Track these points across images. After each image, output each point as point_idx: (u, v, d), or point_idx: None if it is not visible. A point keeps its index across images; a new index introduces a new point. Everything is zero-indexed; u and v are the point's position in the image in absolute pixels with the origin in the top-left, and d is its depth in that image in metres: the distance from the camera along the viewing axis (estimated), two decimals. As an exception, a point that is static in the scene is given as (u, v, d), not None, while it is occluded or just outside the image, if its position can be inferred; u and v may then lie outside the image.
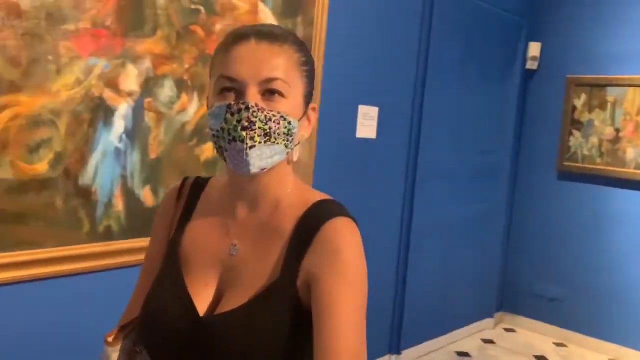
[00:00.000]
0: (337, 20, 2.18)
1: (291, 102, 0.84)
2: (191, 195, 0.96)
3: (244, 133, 0.80)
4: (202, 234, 0.92)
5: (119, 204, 1.63)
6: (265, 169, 0.84)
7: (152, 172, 1.69)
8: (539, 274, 3.49)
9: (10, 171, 1.41)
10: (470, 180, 3.19)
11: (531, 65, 3.46)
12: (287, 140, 0.85)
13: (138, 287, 0.98)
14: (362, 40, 2.36)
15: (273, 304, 0.83)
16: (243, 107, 0.80)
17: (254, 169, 0.83)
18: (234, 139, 0.81)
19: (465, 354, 3.10)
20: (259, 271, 0.85)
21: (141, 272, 0.99)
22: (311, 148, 2.18)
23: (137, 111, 1.64)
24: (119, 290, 1.59)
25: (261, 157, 0.83)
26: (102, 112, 1.56)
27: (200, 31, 1.75)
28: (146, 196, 1.69)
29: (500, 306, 3.63)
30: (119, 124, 1.60)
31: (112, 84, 1.57)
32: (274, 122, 0.82)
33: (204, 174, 1.73)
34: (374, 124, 2.48)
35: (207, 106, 0.88)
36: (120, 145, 1.61)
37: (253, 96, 0.81)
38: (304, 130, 0.89)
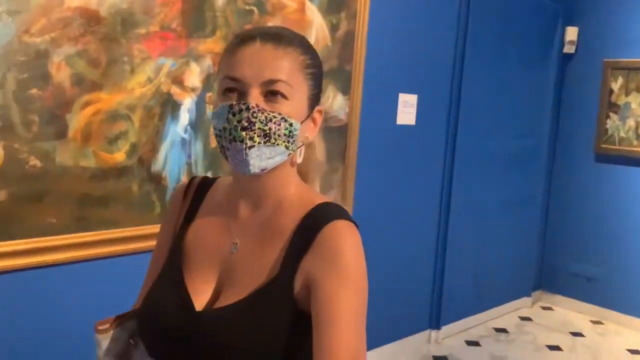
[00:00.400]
0: (378, 13, 2.31)
1: (294, 104, 0.84)
2: (197, 194, 0.97)
3: (243, 133, 0.81)
4: (204, 232, 0.93)
5: (185, 189, 1.81)
6: (265, 169, 0.85)
7: (213, 160, 1.87)
8: (576, 253, 3.57)
9: (93, 160, 1.60)
10: (508, 164, 3.29)
11: (568, 49, 3.51)
12: (288, 142, 0.85)
13: (148, 275, 0.99)
14: (401, 30, 2.49)
15: (270, 300, 0.83)
16: (244, 107, 0.81)
17: (254, 169, 0.84)
18: (234, 139, 0.82)
19: (503, 330, 3.23)
20: (257, 269, 0.86)
21: (150, 262, 1.00)
22: (353, 135, 2.32)
23: (200, 105, 1.81)
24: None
25: (261, 157, 0.83)
26: (169, 106, 1.74)
27: (253, 29, 1.91)
28: (208, 181, 1.87)
29: (538, 285, 3.73)
30: (184, 117, 1.78)
31: (178, 80, 1.75)
32: (275, 123, 0.82)
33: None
34: (413, 111, 2.61)
35: (213, 106, 0.91)
36: (186, 136, 1.79)
37: (255, 97, 0.82)
38: (309, 132, 0.89)
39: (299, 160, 0.89)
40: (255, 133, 0.81)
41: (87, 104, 1.56)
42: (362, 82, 2.30)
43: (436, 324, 2.97)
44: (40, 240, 1.52)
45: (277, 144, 0.83)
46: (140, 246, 1.73)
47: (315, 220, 0.85)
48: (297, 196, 0.90)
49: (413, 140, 2.66)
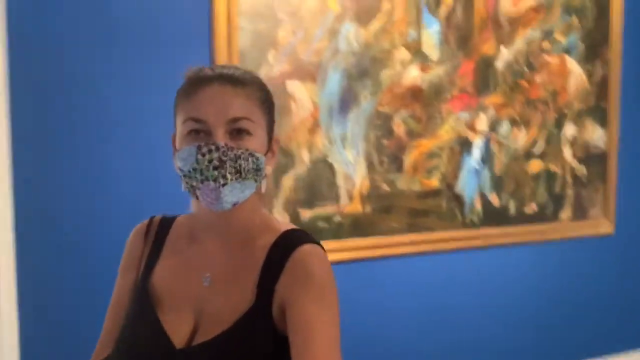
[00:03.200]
0: (628, 58, 2.73)
1: (257, 139, 0.88)
2: (159, 233, 0.99)
3: (215, 172, 0.84)
4: (172, 270, 0.94)
5: (478, 205, 2.46)
6: (237, 203, 0.88)
7: (497, 183, 2.50)
8: None
9: (418, 185, 2.35)
10: None
11: None
12: (257, 175, 0.88)
13: (106, 328, 0.98)
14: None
15: (249, 330, 0.85)
16: (213, 147, 0.84)
17: (227, 205, 0.87)
18: (207, 179, 0.85)
19: None
20: (233, 300, 0.87)
21: (108, 312, 0.99)
22: (612, 160, 2.73)
23: (487, 143, 2.47)
24: (477, 265, 2.44)
25: (233, 193, 0.86)
26: (466, 145, 2.43)
27: (525, 84, 2.51)
28: (493, 199, 2.49)
29: None
30: (476, 152, 2.45)
31: (471, 127, 2.43)
32: (243, 159, 0.86)
33: (531, 184, 2.49)
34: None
35: (174, 147, 0.92)
36: (477, 166, 2.46)
37: (221, 136, 0.85)
38: (269, 163, 0.93)
39: (264, 190, 0.93)
40: (227, 171, 0.85)
41: (414, 147, 2.33)
42: (618, 116, 2.72)
43: None
44: (387, 239, 2.31)
45: (248, 179, 0.87)
46: (448, 246, 2.41)
47: (285, 246, 0.89)
48: (263, 225, 0.94)
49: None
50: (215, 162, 0.84)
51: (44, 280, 1.82)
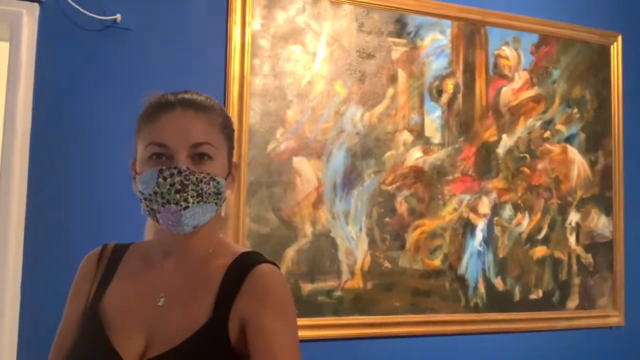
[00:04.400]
0: (631, 149, 2.79)
1: (218, 163, 0.90)
2: (112, 259, 0.98)
3: (177, 195, 0.85)
4: (124, 292, 0.93)
5: (482, 288, 2.46)
6: (197, 226, 0.89)
7: (501, 267, 2.50)
8: None
9: (420, 264, 2.37)
10: None
11: None
12: (217, 199, 0.90)
13: (56, 346, 0.97)
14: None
15: (202, 345, 0.84)
16: (175, 171, 0.85)
17: (188, 228, 0.88)
18: (168, 202, 0.85)
19: None
20: (187, 317, 0.87)
21: (53, 344, 0.98)
22: (618, 249, 2.72)
23: (490, 226, 2.50)
24: (481, 350, 2.39)
25: (194, 216, 0.88)
26: (468, 227, 2.46)
27: (527, 170, 2.58)
28: (498, 283, 2.49)
29: None
30: (479, 235, 2.48)
31: (473, 209, 2.48)
32: (205, 183, 0.87)
33: (536, 269, 2.48)
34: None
35: (135, 171, 0.92)
36: (480, 249, 2.48)
37: (183, 160, 0.87)
38: (229, 187, 0.95)
39: (223, 213, 0.95)
40: (188, 194, 0.86)
41: (417, 227, 2.37)
42: (623, 205, 2.75)
43: None
44: (389, 317, 2.29)
45: (209, 203, 0.89)
46: (450, 329, 2.38)
47: (242, 266, 0.90)
48: (220, 247, 0.95)
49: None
50: (177, 186, 0.86)
51: (47, 288, 1.85)
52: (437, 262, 2.39)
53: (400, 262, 2.33)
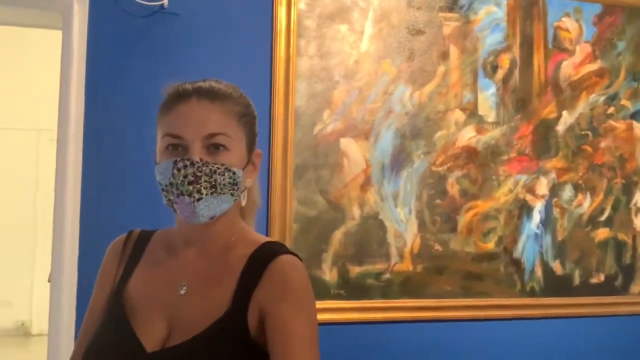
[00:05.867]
0: None
1: (234, 153, 0.89)
2: (137, 246, 0.99)
3: (190, 187, 0.85)
4: (148, 280, 0.94)
5: (539, 272, 2.36)
6: (214, 217, 0.89)
7: (560, 250, 2.39)
8: None
9: (473, 247, 2.30)
10: None
11: None
12: (233, 189, 0.89)
13: (79, 342, 0.98)
14: None
15: (222, 335, 0.84)
16: (188, 162, 0.85)
17: (204, 218, 0.88)
18: (182, 193, 0.86)
19: None
20: (208, 306, 0.87)
21: (85, 319, 0.99)
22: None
23: (548, 207, 2.39)
24: (536, 336, 2.31)
25: (209, 207, 0.87)
26: (525, 209, 2.37)
27: (589, 149, 2.44)
28: (556, 267, 2.39)
29: None
30: (536, 217, 2.38)
31: (531, 190, 2.37)
32: (219, 174, 0.86)
33: (597, 252, 2.37)
34: None
35: (155, 161, 0.92)
36: (538, 231, 2.38)
37: (197, 151, 0.86)
38: (250, 176, 0.94)
39: (243, 203, 0.94)
40: (202, 186, 0.86)
41: (469, 208, 2.30)
42: (696, 185, 2.56)
43: None
44: (439, 301, 2.24)
45: (223, 193, 0.88)
46: (504, 313, 2.31)
47: (263, 256, 0.90)
48: (242, 237, 0.94)
49: None
50: (190, 177, 0.86)
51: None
52: (490, 245, 2.32)
53: (451, 244, 2.27)
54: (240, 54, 2.11)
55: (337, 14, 2.18)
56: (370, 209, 2.17)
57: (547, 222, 2.39)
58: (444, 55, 2.29)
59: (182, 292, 0.90)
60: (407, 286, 2.20)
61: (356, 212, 2.16)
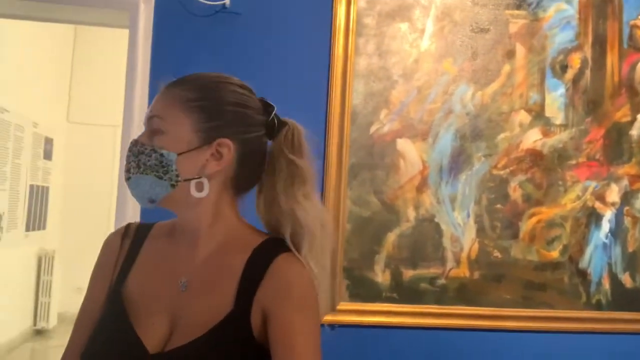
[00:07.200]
0: None
1: (170, 137, 0.87)
2: (135, 239, 0.97)
3: (125, 167, 0.90)
4: (148, 275, 0.92)
5: (606, 284, 2.23)
6: (153, 200, 0.88)
7: (630, 261, 2.25)
8: None
9: (535, 255, 2.20)
10: None
11: None
12: (159, 172, 0.86)
13: (72, 339, 0.95)
14: None
15: (226, 337, 0.83)
16: (132, 144, 0.90)
17: (142, 200, 0.89)
18: None
19: None
20: (210, 306, 0.86)
21: (75, 323, 0.96)
22: None
23: (619, 216, 2.25)
24: (603, 351, 2.17)
25: (138, 187, 0.88)
26: (593, 217, 2.23)
27: (667, 155, 2.28)
28: (626, 279, 2.24)
29: None
30: (606, 226, 2.24)
31: (600, 197, 2.24)
32: (146, 154, 0.86)
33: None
34: None
35: None
36: (607, 241, 2.24)
37: (144, 134, 0.89)
38: (208, 166, 0.88)
39: (197, 194, 0.88)
40: (130, 165, 0.88)
41: (532, 214, 2.20)
42: None
43: None
44: (498, 310, 2.16)
45: (146, 174, 0.87)
46: (568, 326, 2.20)
47: (265, 255, 0.88)
48: (240, 234, 0.92)
49: None
50: (128, 158, 0.90)
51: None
52: (555, 254, 2.21)
53: (512, 252, 2.18)
54: (299, 53, 2.11)
55: (398, 11, 2.14)
56: (425, 211, 2.12)
57: (617, 231, 2.24)
58: (510, 54, 2.20)
59: (183, 288, 0.89)
60: (463, 293, 2.13)
61: (411, 214, 2.11)
